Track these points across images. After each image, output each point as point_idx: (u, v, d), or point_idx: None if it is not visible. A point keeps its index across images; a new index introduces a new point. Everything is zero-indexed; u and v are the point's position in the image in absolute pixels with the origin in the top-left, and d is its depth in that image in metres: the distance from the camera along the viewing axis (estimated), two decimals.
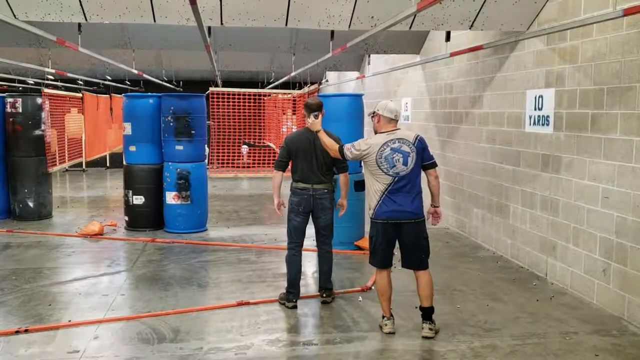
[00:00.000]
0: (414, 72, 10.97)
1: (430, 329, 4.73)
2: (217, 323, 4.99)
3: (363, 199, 7.69)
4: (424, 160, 4.85)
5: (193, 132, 8.47)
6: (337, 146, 5.08)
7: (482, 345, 4.56)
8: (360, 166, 7.48)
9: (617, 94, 5.25)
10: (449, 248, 7.73)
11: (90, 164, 17.25)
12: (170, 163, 8.50)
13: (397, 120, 4.90)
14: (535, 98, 6.63)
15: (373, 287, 5.96)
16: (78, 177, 15.51)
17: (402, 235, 4.77)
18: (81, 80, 17.07)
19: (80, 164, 16.61)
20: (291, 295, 5.45)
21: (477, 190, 8.05)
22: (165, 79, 18.78)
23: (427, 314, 4.80)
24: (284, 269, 6.70)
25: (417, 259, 4.84)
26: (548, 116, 6.38)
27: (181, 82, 21.75)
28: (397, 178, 4.72)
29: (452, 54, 7.49)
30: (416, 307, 5.36)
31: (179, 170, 8.42)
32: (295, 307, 5.39)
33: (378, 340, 4.62)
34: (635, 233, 5.01)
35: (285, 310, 5.29)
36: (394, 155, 4.70)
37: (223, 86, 15.42)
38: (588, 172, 5.67)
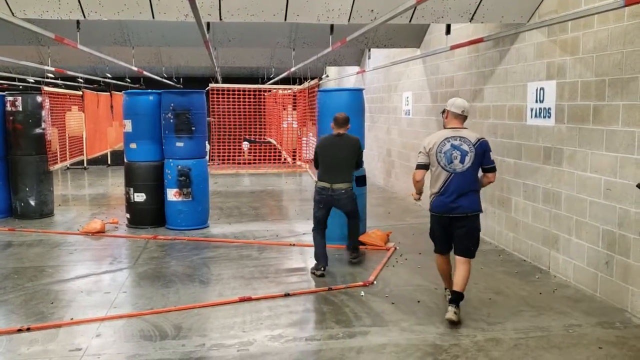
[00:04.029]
0: (414, 66, 10.93)
1: (455, 313, 4.86)
2: (220, 319, 4.98)
3: (365, 193, 7.68)
4: (484, 163, 5.07)
5: (193, 128, 8.44)
6: (414, 175, 5.25)
7: (486, 338, 4.55)
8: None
9: (618, 85, 5.22)
10: None
11: (92, 161, 17.23)
12: (171, 160, 8.48)
13: (466, 117, 5.12)
14: (537, 90, 6.60)
15: (375, 282, 5.96)
16: (79, 175, 15.52)
17: (456, 227, 5.05)
18: (81, 78, 17.04)
19: (81, 162, 16.60)
20: (319, 265, 6.29)
21: None
22: (166, 76, 18.75)
23: (456, 298, 4.96)
24: (286, 264, 6.74)
25: (464, 247, 5.07)
26: (549, 108, 6.35)
27: (181, 79, 21.72)
28: (453, 174, 4.96)
29: (453, 47, 7.46)
30: (419, 301, 5.39)
31: (179, 167, 8.40)
32: (323, 275, 6.18)
33: (380, 335, 4.61)
34: (638, 225, 4.98)
35: (287, 306, 5.28)
36: (453, 152, 4.96)
37: (223, 82, 15.41)
38: (590, 164, 5.64)
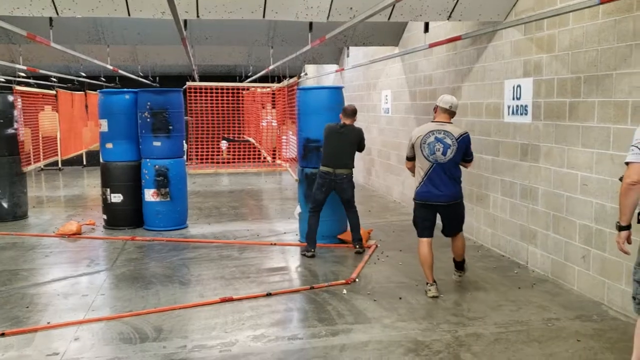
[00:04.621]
0: (393, 64, 10.97)
1: (460, 276, 5.92)
2: (201, 320, 4.93)
3: None
4: (465, 156, 5.52)
5: (171, 127, 8.35)
6: (405, 164, 5.88)
7: (467, 333, 4.58)
8: None
9: (594, 82, 5.29)
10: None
11: (66, 162, 16.98)
12: (148, 160, 8.38)
13: (454, 112, 5.54)
14: (514, 88, 6.66)
15: (357, 280, 5.96)
16: (54, 176, 15.27)
17: (441, 213, 5.58)
18: (54, 77, 16.78)
19: (55, 163, 16.35)
20: (309, 247, 6.87)
21: None
22: (142, 75, 18.55)
23: (459, 265, 5.90)
24: (267, 264, 6.71)
25: (455, 228, 5.71)
26: (526, 106, 6.42)
27: (157, 78, 21.51)
28: (435, 165, 5.37)
29: (431, 45, 7.50)
30: (400, 298, 5.41)
31: (157, 166, 8.31)
32: (313, 256, 6.80)
33: (363, 332, 4.61)
34: (614, 219, 5.01)
35: (269, 306, 5.25)
36: (436, 144, 5.36)
37: (200, 81, 15.29)
38: (567, 161, 5.71)
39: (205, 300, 5.40)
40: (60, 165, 16.19)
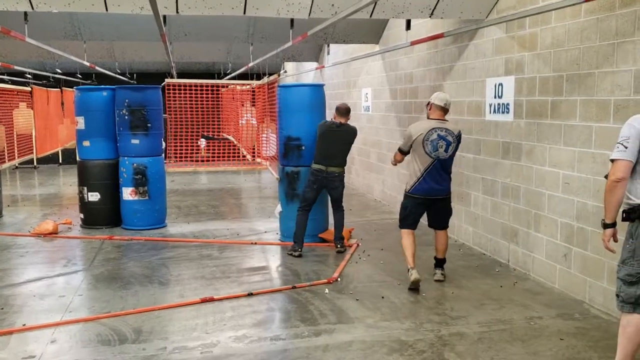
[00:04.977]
0: (373, 62, 10.94)
1: (442, 274, 5.89)
2: (181, 321, 4.84)
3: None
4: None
5: (149, 125, 8.21)
6: (395, 154, 5.99)
7: (450, 333, 4.56)
8: None
9: (576, 81, 5.31)
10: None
11: (42, 160, 16.65)
12: (126, 158, 8.24)
13: (448, 110, 5.76)
14: (495, 86, 6.67)
15: (339, 279, 5.91)
16: (29, 175, 14.99)
17: (434, 207, 5.79)
18: (29, 73, 16.44)
19: (31, 161, 16.04)
20: (296, 246, 6.81)
21: None
22: (119, 72, 18.27)
23: (440, 263, 5.95)
24: (248, 263, 6.63)
25: (444, 221, 5.92)
26: (508, 104, 6.42)
27: (135, 75, 21.22)
28: (437, 160, 5.59)
29: (413, 43, 7.47)
30: (383, 297, 5.37)
31: (135, 165, 8.17)
32: (300, 255, 6.75)
33: (346, 332, 4.56)
34: (595, 217, 5.08)
35: (251, 306, 5.17)
36: (439, 142, 5.58)
37: (179, 78, 15.10)
38: (549, 159, 5.73)
39: (185, 300, 5.31)
40: (35, 163, 15.89)
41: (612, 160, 3.42)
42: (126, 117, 8.17)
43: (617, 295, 3.54)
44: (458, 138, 5.70)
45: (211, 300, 5.28)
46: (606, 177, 3.47)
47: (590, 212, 5.14)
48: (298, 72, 16.95)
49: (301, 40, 7.84)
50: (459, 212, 7.56)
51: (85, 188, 8.40)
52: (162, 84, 9.03)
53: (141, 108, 8.18)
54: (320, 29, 6.98)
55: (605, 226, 3.52)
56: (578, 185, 5.30)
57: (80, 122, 8.39)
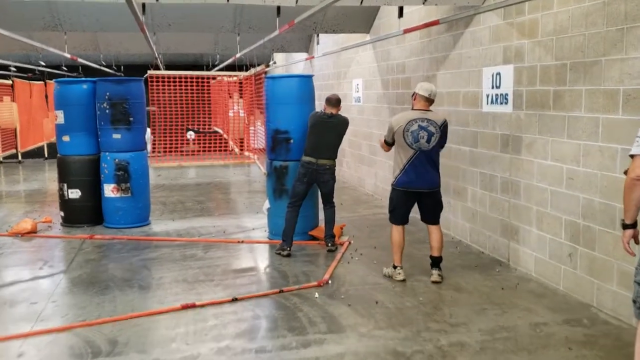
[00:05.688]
0: (364, 52, 10.58)
1: (439, 275, 5.53)
2: (160, 330, 4.51)
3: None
4: (443, 142, 5.57)
5: (131, 119, 7.83)
6: (382, 141, 5.79)
7: (450, 342, 4.23)
8: None
9: (581, 70, 4.97)
10: (406, 234, 7.38)
11: (28, 154, 16.27)
12: (107, 153, 7.85)
13: (432, 100, 5.52)
14: (493, 76, 6.33)
15: (330, 281, 5.58)
16: (13, 169, 14.55)
17: (420, 201, 5.56)
18: (13, 66, 15.97)
19: (15, 155, 15.63)
20: (285, 245, 6.47)
21: None
22: (104, 64, 17.79)
23: (436, 262, 5.59)
24: (233, 264, 6.28)
25: (435, 216, 5.62)
26: (507, 94, 6.09)
27: (122, 67, 20.76)
28: (418, 152, 5.39)
29: (406, 31, 7.11)
30: (377, 302, 5.05)
31: (117, 160, 7.79)
32: (289, 255, 6.41)
33: (337, 343, 4.23)
34: (603, 216, 4.77)
35: (235, 313, 4.83)
36: (420, 132, 5.38)
37: (166, 70, 14.68)
38: (551, 152, 5.40)
39: (165, 307, 4.96)
40: (20, 157, 15.47)
41: (632, 156, 3.09)
42: (107, 111, 7.78)
43: (634, 301, 3.22)
44: (442, 128, 5.47)
45: (193, 306, 4.94)
46: (626, 173, 3.14)
47: (598, 209, 4.82)
48: (287, 63, 16.55)
49: (288, 29, 7.46)
50: (455, 207, 7.24)
51: (66, 185, 8.02)
52: (145, 76, 8.63)
53: (123, 101, 7.80)
54: (309, 19, 6.62)
55: (625, 227, 3.20)
56: (584, 181, 4.98)
57: (60, 116, 8.00)
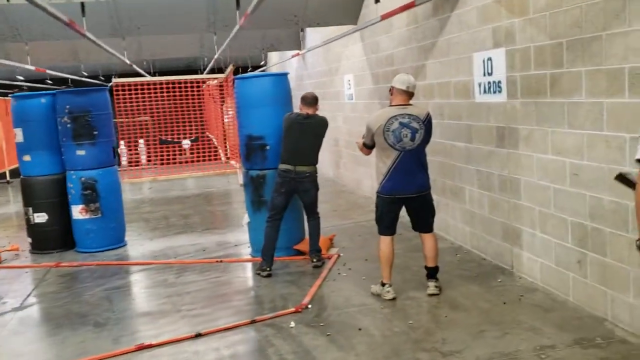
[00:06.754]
0: (353, 45, 9.91)
1: (436, 287, 4.99)
2: None
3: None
4: (428, 137, 5.00)
5: (95, 132, 7.21)
6: (360, 144, 5.17)
7: None
8: None
9: (579, 48, 4.29)
10: (400, 241, 6.65)
11: (16, 173, 15.73)
12: (72, 172, 7.24)
13: (412, 93, 4.95)
14: (484, 62, 5.66)
15: (309, 306, 4.94)
16: (2, 191, 14.00)
17: (409, 206, 5.00)
18: None
19: (3, 175, 15.12)
20: (264, 264, 5.85)
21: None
22: (86, 74, 17.17)
23: (432, 273, 5.05)
24: (205, 291, 5.64)
25: (427, 223, 5.07)
26: (500, 82, 5.42)
27: (112, 77, 20.22)
28: (402, 153, 4.82)
29: (383, 17, 6.44)
30: (360, 329, 4.40)
31: (83, 179, 7.18)
32: (269, 275, 5.79)
33: None
34: (614, 216, 4.09)
35: (196, 353, 4.19)
36: (402, 130, 4.81)
37: (160, 76, 14.09)
38: (551, 145, 4.73)
39: (118, 349, 4.34)
40: (9, 177, 14.97)
41: (639, 161, 2.42)
42: (68, 125, 7.17)
43: None
44: (426, 123, 4.89)
45: (149, 347, 4.32)
46: (618, 178, 2.48)
47: (607, 209, 4.14)
48: (280, 61, 15.92)
49: (244, 21, 6.76)
50: (453, 209, 6.57)
51: (31, 209, 7.44)
52: (110, 85, 8.03)
53: (85, 114, 7.18)
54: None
55: None
56: (590, 177, 4.30)
57: (19, 135, 7.41)
